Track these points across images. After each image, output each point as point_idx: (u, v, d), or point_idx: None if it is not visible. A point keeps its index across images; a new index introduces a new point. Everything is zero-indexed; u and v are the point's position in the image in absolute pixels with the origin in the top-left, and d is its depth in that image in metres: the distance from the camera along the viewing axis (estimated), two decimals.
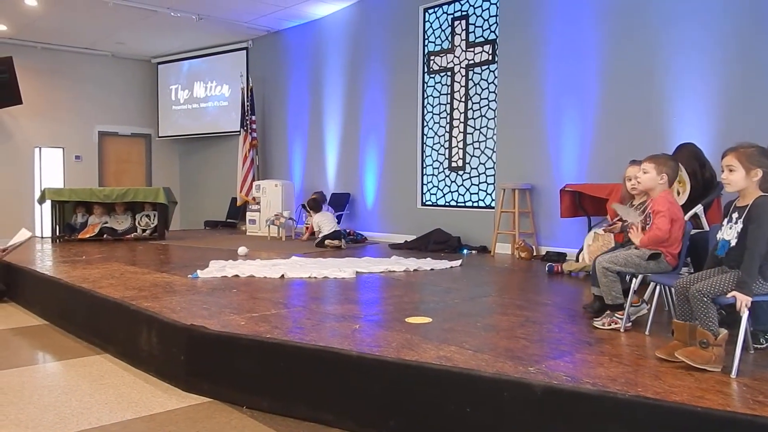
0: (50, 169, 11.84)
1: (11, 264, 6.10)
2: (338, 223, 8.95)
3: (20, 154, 11.46)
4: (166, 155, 13.34)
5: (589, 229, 5.99)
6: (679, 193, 4.11)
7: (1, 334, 4.73)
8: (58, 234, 8.39)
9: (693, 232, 3.59)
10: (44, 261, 6.46)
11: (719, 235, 2.84)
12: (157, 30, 10.61)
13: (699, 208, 4.00)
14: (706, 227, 3.87)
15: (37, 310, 5.32)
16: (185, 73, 12.55)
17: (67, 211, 8.58)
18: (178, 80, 12.66)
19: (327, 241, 7.87)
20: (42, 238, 9.08)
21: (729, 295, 2.59)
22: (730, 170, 2.73)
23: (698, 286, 2.65)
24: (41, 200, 8.48)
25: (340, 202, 9.43)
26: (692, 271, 3.59)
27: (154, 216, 8.74)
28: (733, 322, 2.88)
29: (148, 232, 8.65)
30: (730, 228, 2.77)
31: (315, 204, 8.51)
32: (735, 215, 2.77)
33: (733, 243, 2.73)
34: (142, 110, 12.98)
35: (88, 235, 8.33)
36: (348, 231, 8.77)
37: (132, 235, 8.52)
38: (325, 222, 8.17)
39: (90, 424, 2.82)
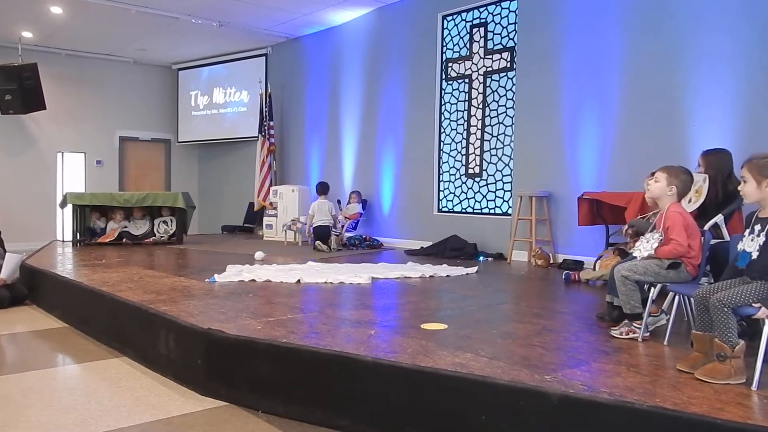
0: (72, 174, 12.02)
1: (33, 267, 6.20)
2: (354, 228, 9.00)
3: (43, 158, 11.65)
4: (185, 160, 13.48)
5: (607, 239, 5.95)
6: (690, 201, 4.05)
7: (23, 336, 4.81)
8: (78, 238, 8.51)
9: (713, 242, 3.55)
10: (65, 264, 6.56)
11: (740, 246, 2.81)
12: (179, 37, 10.74)
13: (719, 218, 3.94)
14: (727, 237, 3.82)
15: (57, 313, 5.40)
16: (205, 79, 12.68)
17: (89, 216, 8.69)
18: (197, 86, 12.80)
19: (317, 243, 7.91)
20: (63, 242, 9.21)
21: (756, 305, 2.56)
22: (744, 181, 2.77)
23: (719, 295, 2.62)
24: (63, 204, 8.60)
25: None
26: (712, 281, 3.55)
27: (172, 221, 8.83)
28: (753, 334, 2.85)
29: (166, 236, 8.74)
30: (752, 240, 2.73)
31: (322, 187, 8.53)
32: (758, 227, 2.73)
33: (755, 256, 2.70)
34: (162, 116, 13.14)
35: (107, 240, 8.44)
36: (364, 236, 8.79)
37: (151, 239, 8.62)
38: (318, 211, 8.19)
39: (108, 427, 2.86)
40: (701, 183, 4.10)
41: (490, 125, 7.88)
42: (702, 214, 4.01)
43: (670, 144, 5.94)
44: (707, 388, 2.48)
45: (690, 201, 4.06)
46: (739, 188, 2.83)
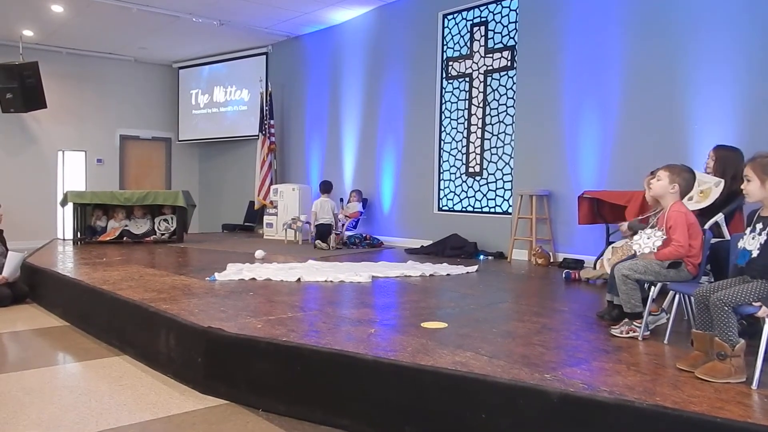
0: (73, 172, 12.02)
1: (34, 266, 6.20)
2: (355, 227, 9.00)
3: (44, 157, 11.65)
4: (185, 159, 13.48)
5: (608, 238, 5.94)
6: (692, 199, 4.02)
7: (24, 335, 4.81)
8: (79, 236, 8.51)
9: (714, 240, 3.54)
10: (66, 263, 6.56)
11: (741, 244, 2.80)
12: (179, 35, 10.74)
13: (720, 217, 3.93)
14: (728, 236, 3.82)
15: (58, 311, 5.40)
16: (205, 77, 12.68)
17: (89, 214, 8.69)
18: (198, 85, 12.80)
19: (317, 242, 8.00)
20: (64, 240, 9.21)
21: (756, 304, 2.56)
22: (747, 180, 2.75)
23: (719, 294, 2.62)
24: (63, 203, 8.60)
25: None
26: (712, 280, 3.55)
27: (173, 220, 8.83)
28: (753, 333, 2.85)
29: (167, 235, 8.74)
30: (753, 238, 2.73)
31: (325, 185, 8.63)
32: (759, 226, 2.73)
33: (755, 254, 2.69)
34: (163, 114, 13.14)
35: (108, 238, 8.44)
36: (364, 235, 8.80)
37: (151, 237, 8.62)
38: (321, 209, 8.34)
39: (109, 425, 2.86)
40: (711, 185, 4.04)
41: (490, 124, 7.87)
42: (705, 211, 3.99)
43: (670, 143, 5.93)
44: (707, 386, 2.48)
45: (691, 199, 4.03)
46: (742, 187, 2.81)
